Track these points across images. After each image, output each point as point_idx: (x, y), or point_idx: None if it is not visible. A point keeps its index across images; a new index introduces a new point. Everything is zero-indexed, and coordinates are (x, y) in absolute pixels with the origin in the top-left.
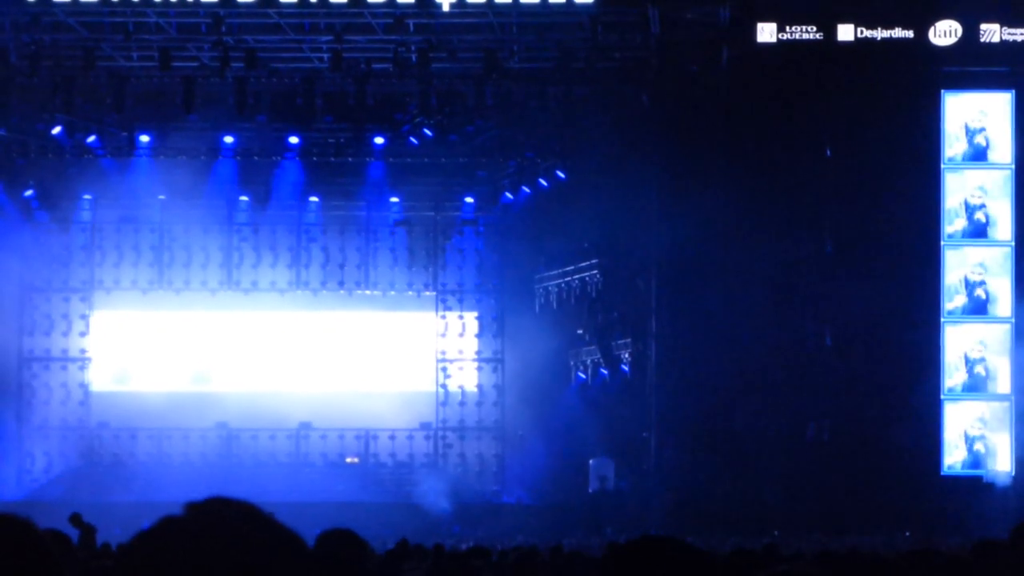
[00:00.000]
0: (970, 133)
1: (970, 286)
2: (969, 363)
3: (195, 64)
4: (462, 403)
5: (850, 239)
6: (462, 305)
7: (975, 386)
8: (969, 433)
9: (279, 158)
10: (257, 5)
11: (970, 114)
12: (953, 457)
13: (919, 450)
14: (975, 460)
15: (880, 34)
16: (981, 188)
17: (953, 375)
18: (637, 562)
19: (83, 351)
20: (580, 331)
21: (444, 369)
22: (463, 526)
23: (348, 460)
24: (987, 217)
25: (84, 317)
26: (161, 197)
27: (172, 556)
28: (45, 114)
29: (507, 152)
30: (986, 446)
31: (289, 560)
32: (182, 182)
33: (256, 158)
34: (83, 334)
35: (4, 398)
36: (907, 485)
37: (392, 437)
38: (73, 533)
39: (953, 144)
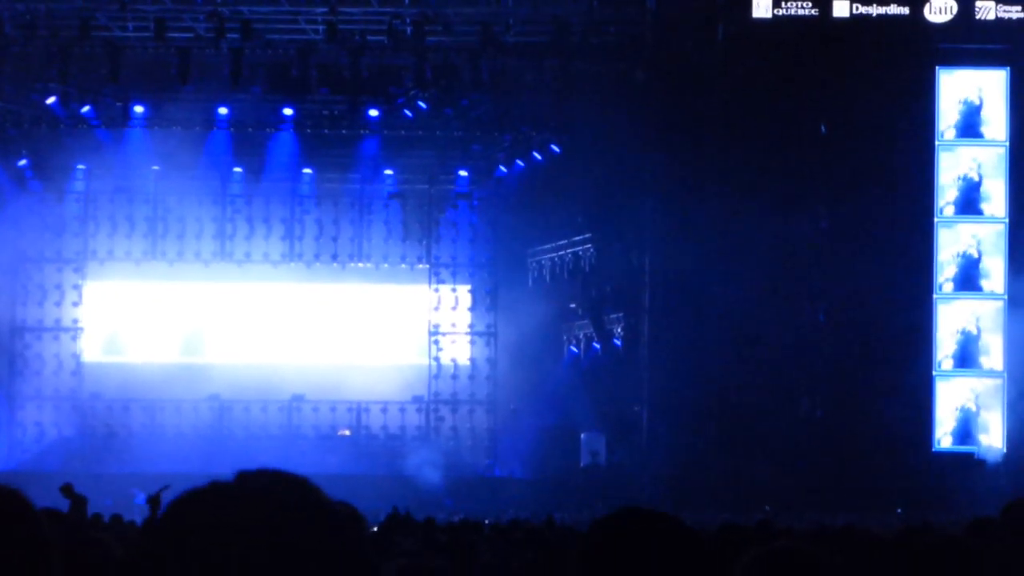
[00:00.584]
0: (964, 110)
1: (963, 263)
2: (961, 340)
3: (190, 35)
4: (454, 376)
5: (844, 215)
6: (455, 278)
7: (967, 363)
8: (961, 410)
9: (273, 130)
10: None
11: (965, 91)
12: (945, 434)
13: (911, 427)
14: (967, 437)
15: (875, 10)
16: (975, 164)
17: (945, 352)
18: (622, 535)
19: (76, 321)
20: (573, 305)
21: (437, 342)
22: (455, 499)
23: (340, 432)
24: (980, 194)
25: (77, 287)
26: (155, 168)
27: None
28: (40, 84)
29: (502, 126)
30: (978, 423)
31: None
32: (176, 153)
33: (250, 129)
34: (76, 304)
35: None
36: (899, 462)
37: (384, 410)
38: (63, 504)
39: (947, 121)
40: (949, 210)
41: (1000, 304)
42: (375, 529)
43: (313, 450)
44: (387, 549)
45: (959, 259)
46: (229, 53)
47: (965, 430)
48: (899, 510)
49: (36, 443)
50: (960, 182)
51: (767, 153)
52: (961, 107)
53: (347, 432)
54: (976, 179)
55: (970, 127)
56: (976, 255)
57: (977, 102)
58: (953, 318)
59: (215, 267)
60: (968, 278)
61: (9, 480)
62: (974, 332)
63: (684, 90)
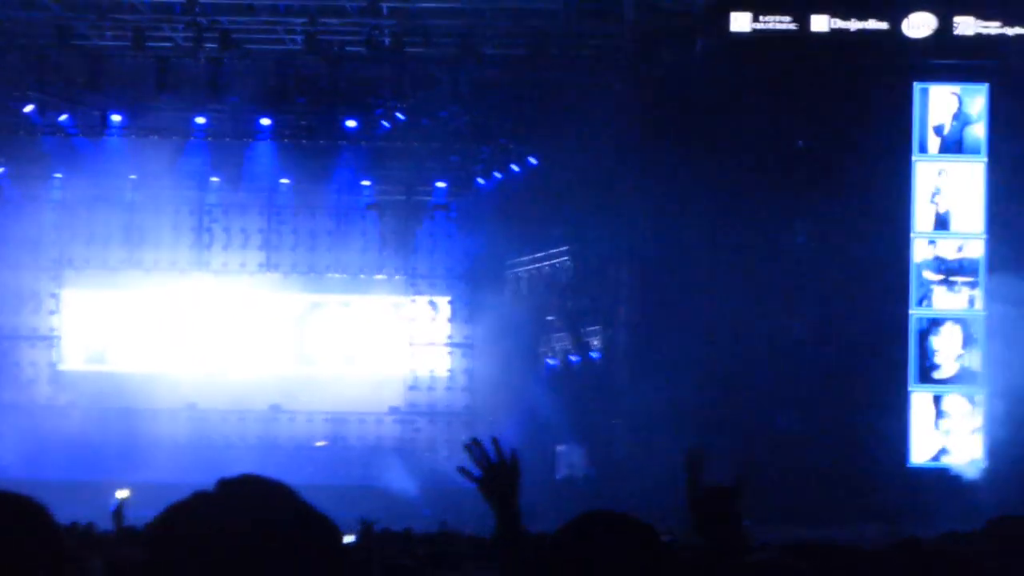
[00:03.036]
0: (942, 126)
1: (941, 279)
2: (939, 355)
3: (169, 44)
4: (431, 388)
5: (822, 230)
6: (433, 290)
7: (945, 377)
8: (938, 425)
9: (251, 140)
10: None
11: (943, 107)
12: (920, 448)
13: (887, 441)
14: (943, 452)
15: (854, 25)
16: (951, 180)
17: (922, 366)
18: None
19: (52, 329)
20: (551, 317)
21: (414, 354)
22: (432, 510)
23: (317, 444)
24: (957, 210)
25: (54, 295)
26: (132, 177)
27: (201, 531)
28: (17, 92)
29: (480, 137)
30: (955, 438)
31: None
32: (154, 162)
33: (228, 139)
34: (52, 312)
35: None
36: (875, 476)
37: (362, 421)
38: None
39: (925, 136)
40: (926, 226)
41: (979, 319)
42: (352, 539)
43: (290, 461)
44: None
45: (937, 274)
46: (207, 63)
47: (941, 445)
48: (873, 525)
49: (12, 451)
50: (936, 198)
51: (745, 167)
52: (939, 123)
53: (324, 443)
54: (952, 195)
55: (948, 143)
56: (954, 269)
57: (955, 118)
58: (930, 333)
59: (192, 276)
60: (943, 293)
61: None
62: (952, 348)
63: (662, 103)
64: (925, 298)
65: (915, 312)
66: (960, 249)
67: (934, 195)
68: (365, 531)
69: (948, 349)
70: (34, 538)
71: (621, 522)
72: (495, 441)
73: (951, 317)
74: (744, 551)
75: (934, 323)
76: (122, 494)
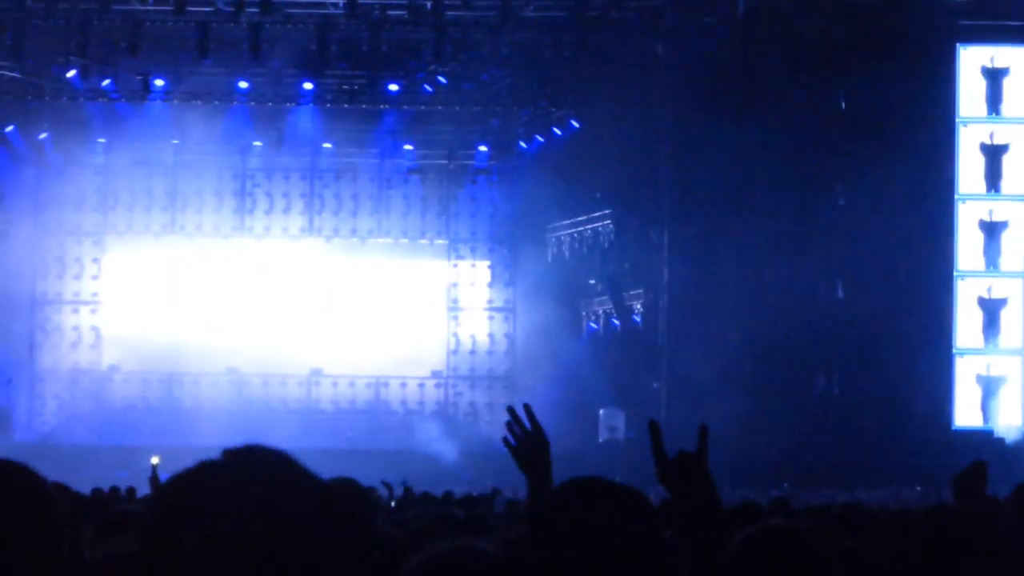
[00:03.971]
0: (986, 86)
1: (984, 241)
2: (982, 317)
3: (210, 9)
4: (473, 352)
5: (863, 192)
6: (474, 254)
7: (988, 341)
8: (981, 388)
9: (293, 104)
10: None
11: (986, 67)
12: (964, 411)
13: (930, 404)
14: (987, 415)
15: None
16: (997, 142)
17: (965, 329)
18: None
19: (95, 294)
20: (592, 281)
21: (456, 318)
22: (473, 474)
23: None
24: (1002, 170)
25: (96, 261)
26: (175, 141)
27: (206, 500)
28: (60, 57)
29: (521, 101)
30: (998, 401)
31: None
32: (196, 127)
33: (270, 104)
34: (95, 277)
35: (17, 340)
36: (918, 440)
37: (403, 385)
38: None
39: (968, 97)
40: (969, 187)
41: (1021, 281)
42: (392, 504)
43: (332, 424)
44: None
45: (980, 237)
46: (249, 27)
47: (985, 408)
48: (918, 488)
49: (55, 415)
50: (981, 156)
51: (786, 129)
52: (982, 83)
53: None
54: (998, 155)
55: (991, 103)
56: (996, 233)
57: (998, 78)
58: (973, 296)
59: (234, 241)
60: (988, 256)
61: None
62: (994, 310)
63: (704, 65)
64: (970, 262)
65: (959, 275)
66: (1003, 211)
67: (977, 156)
68: (405, 494)
69: (993, 313)
70: (19, 503)
71: (611, 488)
72: (527, 408)
73: (995, 279)
74: (714, 509)
75: (978, 286)
76: (155, 460)
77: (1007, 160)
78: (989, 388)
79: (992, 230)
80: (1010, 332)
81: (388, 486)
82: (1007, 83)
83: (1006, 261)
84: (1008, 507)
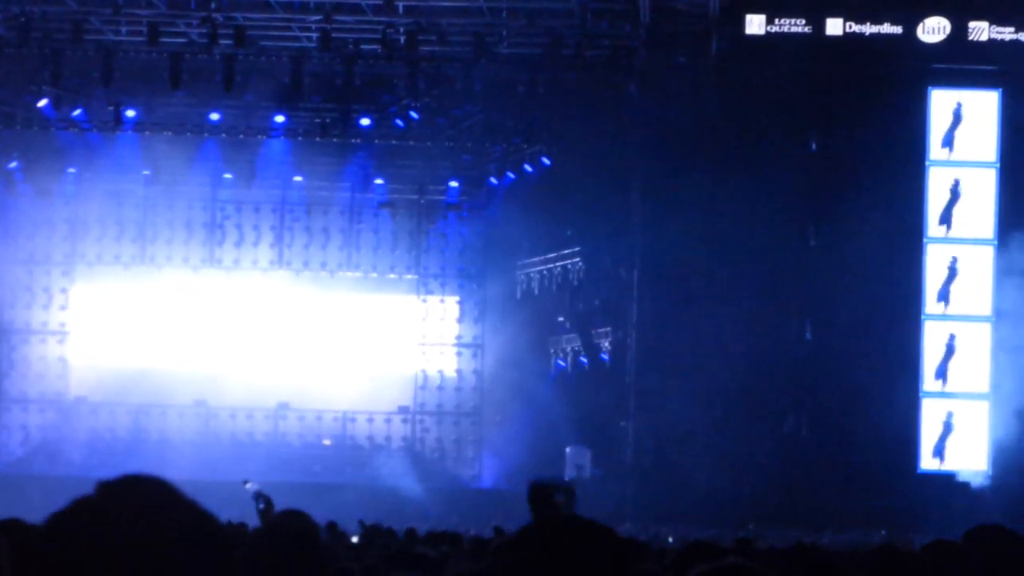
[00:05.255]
0: (955, 131)
1: (949, 283)
2: (950, 362)
3: (183, 40)
4: (441, 388)
5: (833, 233)
6: (444, 289)
7: (953, 384)
8: (946, 431)
9: (264, 137)
10: None
11: (956, 112)
12: (929, 454)
13: (897, 447)
14: (951, 458)
15: (868, 29)
16: (963, 186)
17: (931, 372)
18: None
19: (63, 324)
20: (561, 318)
21: (424, 353)
22: (439, 510)
23: (324, 442)
24: (967, 216)
25: (65, 291)
26: (145, 172)
27: (84, 537)
28: (32, 86)
29: (493, 137)
30: (962, 445)
31: (202, 541)
32: (167, 158)
33: (242, 136)
34: (63, 307)
35: None
36: (884, 482)
37: (370, 420)
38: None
39: (938, 141)
40: (939, 230)
41: (987, 326)
42: (354, 540)
43: (298, 458)
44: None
45: (947, 279)
46: (222, 59)
47: (949, 452)
48: (883, 531)
49: (21, 446)
50: (949, 202)
51: (757, 169)
52: (952, 128)
53: (328, 442)
54: (965, 200)
55: (961, 148)
56: (960, 275)
57: (968, 123)
58: (940, 339)
59: (204, 273)
60: (953, 298)
61: None
62: (961, 354)
63: (676, 105)
64: (937, 304)
65: (926, 317)
66: (970, 256)
67: (947, 201)
68: (365, 532)
69: (959, 356)
70: None
71: (579, 524)
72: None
73: (961, 324)
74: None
75: (944, 329)
76: (249, 485)
77: (973, 204)
78: (955, 431)
79: (958, 275)
80: (976, 376)
81: (364, 525)
82: (977, 127)
83: (973, 305)
84: (961, 549)
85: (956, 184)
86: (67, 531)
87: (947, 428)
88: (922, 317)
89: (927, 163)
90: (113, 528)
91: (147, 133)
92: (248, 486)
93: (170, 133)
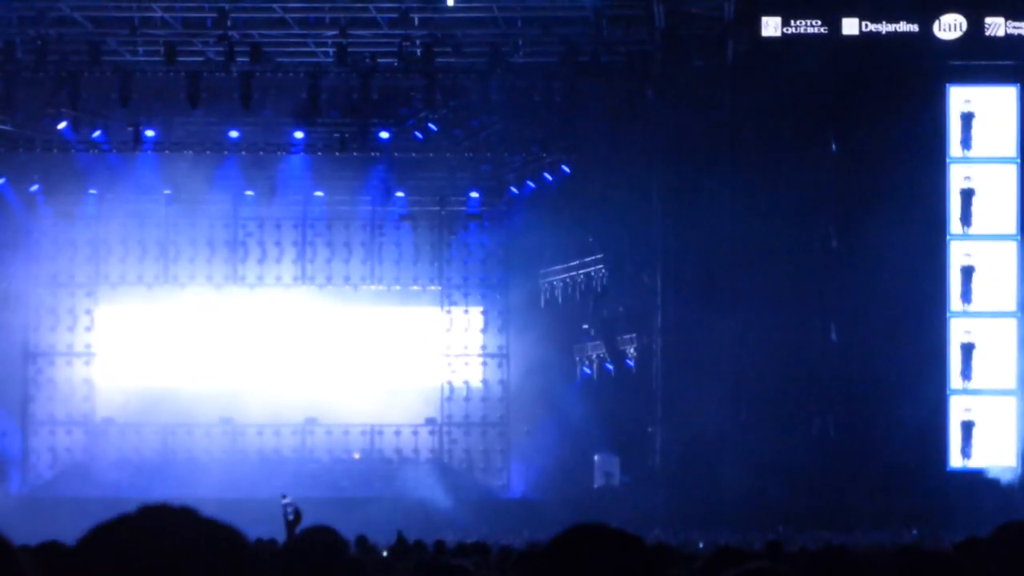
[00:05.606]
0: (975, 126)
1: (973, 280)
2: (977, 359)
3: (200, 59)
4: (467, 398)
5: (855, 233)
6: (467, 300)
7: (980, 381)
8: (975, 428)
9: (284, 153)
10: (262, 0)
11: (975, 107)
12: (958, 452)
13: (925, 445)
14: (980, 456)
15: (885, 28)
16: (985, 182)
17: (958, 370)
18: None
19: (88, 346)
20: (585, 326)
21: (449, 364)
22: (468, 522)
23: (354, 456)
24: (991, 212)
25: (89, 312)
26: (166, 192)
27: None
28: (51, 109)
29: (512, 147)
30: (991, 441)
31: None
32: (187, 177)
33: (261, 153)
34: (88, 329)
35: (11, 393)
36: (913, 481)
37: (397, 433)
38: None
39: (958, 138)
40: (961, 227)
41: (1014, 322)
42: (384, 554)
43: (327, 473)
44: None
45: (969, 276)
46: (239, 77)
47: (979, 449)
48: (915, 531)
49: (50, 468)
50: (969, 198)
51: (778, 171)
52: (972, 124)
53: (358, 455)
54: (987, 196)
55: (981, 143)
56: (983, 272)
57: (988, 118)
58: (966, 336)
59: (227, 290)
60: (978, 295)
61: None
62: (987, 350)
63: (694, 109)
64: (963, 301)
65: (951, 315)
66: (994, 252)
67: (969, 197)
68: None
69: (985, 353)
70: None
71: (608, 534)
72: None
73: (987, 320)
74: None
75: (970, 326)
76: (286, 499)
77: (997, 199)
78: (983, 428)
79: (967, 271)
80: (1003, 372)
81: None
82: (997, 123)
83: (999, 302)
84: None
85: (977, 181)
86: (99, 554)
87: (975, 425)
88: (947, 315)
89: (947, 160)
90: (145, 551)
91: (167, 152)
92: (285, 500)
93: (190, 152)
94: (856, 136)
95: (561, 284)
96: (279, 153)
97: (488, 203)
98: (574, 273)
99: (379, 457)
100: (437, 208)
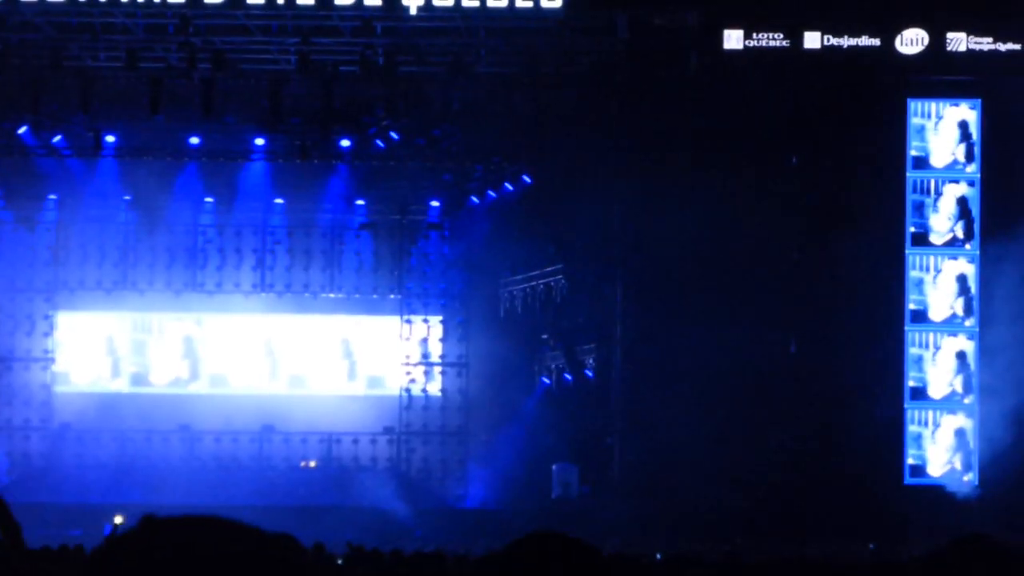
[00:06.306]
0: (935, 141)
1: (932, 293)
2: (935, 373)
3: (162, 65)
4: (426, 407)
5: (816, 245)
6: (427, 309)
7: (938, 395)
8: (932, 442)
9: (245, 160)
10: (225, 6)
11: (936, 122)
12: (916, 465)
13: (883, 458)
14: (938, 469)
15: (847, 42)
16: (945, 196)
17: (916, 382)
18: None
19: (47, 351)
20: (545, 336)
21: (408, 373)
22: (425, 531)
23: (304, 464)
24: (953, 226)
25: (48, 317)
26: (126, 197)
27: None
28: (11, 113)
29: (474, 156)
30: (949, 455)
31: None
32: (147, 182)
33: (222, 159)
34: (47, 334)
35: None
36: (872, 493)
37: (355, 441)
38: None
39: (918, 152)
40: (920, 241)
41: (974, 337)
42: (339, 562)
43: (284, 481)
44: None
45: (928, 289)
46: (201, 83)
47: (936, 463)
48: (872, 545)
49: (7, 474)
50: (927, 213)
51: (739, 183)
52: (932, 139)
53: (313, 464)
54: (948, 211)
55: (941, 159)
56: (942, 284)
57: (948, 134)
58: (924, 349)
59: (186, 297)
60: (937, 308)
61: None
62: (946, 364)
63: (656, 121)
64: (920, 315)
65: (910, 328)
66: (953, 266)
67: (928, 211)
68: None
69: (943, 367)
70: None
71: (565, 543)
72: None
73: (947, 334)
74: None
75: (929, 340)
76: (119, 520)
77: (955, 213)
78: (941, 441)
79: (940, 286)
80: (962, 386)
81: (352, 546)
82: (957, 138)
83: (956, 316)
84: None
85: (937, 194)
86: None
87: (933, 438)
88: (906, 327)
89: (907, 174)
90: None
91: (127, 158)
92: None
93: (150, 158)
94: (817, 149)
95: (521, 294)
96: (240, 160)
97: (449, 212)
98: (534, 283)
99: (336, 465)
100: (398, 217)
